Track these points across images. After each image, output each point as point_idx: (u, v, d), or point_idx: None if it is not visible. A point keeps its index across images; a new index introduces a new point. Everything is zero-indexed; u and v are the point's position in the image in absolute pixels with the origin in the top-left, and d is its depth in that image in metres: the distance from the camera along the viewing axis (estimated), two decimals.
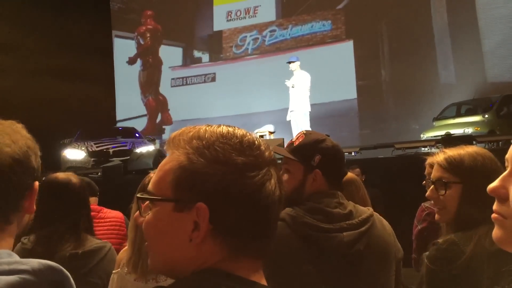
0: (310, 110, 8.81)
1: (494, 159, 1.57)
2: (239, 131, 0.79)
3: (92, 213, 2.22)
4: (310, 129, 8.53)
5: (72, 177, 2.06)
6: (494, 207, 0.75)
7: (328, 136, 1.74)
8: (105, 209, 2.96)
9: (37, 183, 1.02)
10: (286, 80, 8.92)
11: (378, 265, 1.56)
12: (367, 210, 1.61)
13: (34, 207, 1.02)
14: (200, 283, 0.73)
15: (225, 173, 0.74)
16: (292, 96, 8.89)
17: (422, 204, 2.78)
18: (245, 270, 0.76)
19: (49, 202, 1.90)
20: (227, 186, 0.74)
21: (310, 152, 1.66)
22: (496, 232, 0.75)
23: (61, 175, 2.06)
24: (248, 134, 0.80)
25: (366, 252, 1.52)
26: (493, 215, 0.75)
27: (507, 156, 0.75)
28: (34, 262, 0.93)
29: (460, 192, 1.57)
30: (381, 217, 1.65)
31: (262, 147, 0.79)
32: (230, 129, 0.80)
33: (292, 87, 8.71)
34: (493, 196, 0.75)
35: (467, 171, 1.57)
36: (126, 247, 1.80)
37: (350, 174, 2.45)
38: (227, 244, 0.74)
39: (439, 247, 1.53)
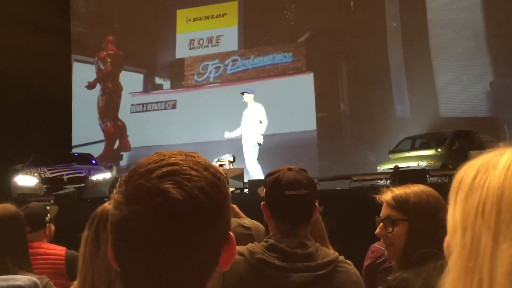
0: (261, 143, 8.92)
1: (439, 197, 1.62)
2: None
3: (31, 250, 2.08)
4: (256, 160, 8.75)
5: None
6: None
7: (290, 169, 1.69)
8: (46, 244, 2.80)
9: None
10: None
11: None
12: (332, 254, 1.58)
13: None
14: None
15: None
16: (244, 127, 9.02)
17: (371, 246, 2.83)
18: None
19: None
20: None
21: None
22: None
23: None
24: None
25: None
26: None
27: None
28: (24, 278, 1.05)
29: (406, 229, 1.61)
30: (351, 265, 1.60)
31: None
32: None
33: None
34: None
35: (413, 209, 1.61)
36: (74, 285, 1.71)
37: None
38: None
39: (389, 285, 1.54)
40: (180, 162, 0.72)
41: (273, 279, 1.48)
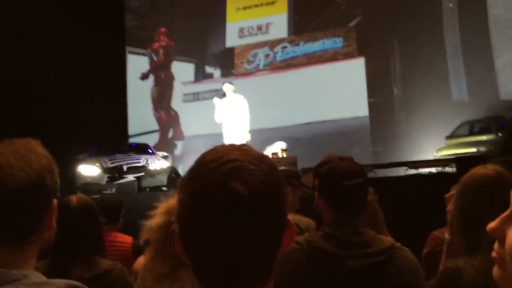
0: (250, 139, 8.66)
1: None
2: None
3: None
4: None
5: (74, 199, 2.02)
6: (495, 246, 0.75)
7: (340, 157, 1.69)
8: (114, 234, 2.95)
9: (55, 201, 1.03)
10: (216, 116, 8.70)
11: None
12: (388, 241, 1.59)
13: (54, 224, 1.03)
14: None
15: None
16: (228, 120, 8.69)
17: (431, 233, 2.78)
18: None
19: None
20: None
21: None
22: (495, 271, 0.75)
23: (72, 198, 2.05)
24: None
25: (379, 286, 1.51)
26: (493, 254, 0.76)
27: (511, 195, 0.74)
28: (61, 283, 0.96)
29: None
30: (409, 252, 1.60)
31: None
32: None
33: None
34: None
35: None
36: (142, 258, 1.82)
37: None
38: None
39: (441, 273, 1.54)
40: (239, 158, 0.76)
41: (329, 266, 1.51)
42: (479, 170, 1.61)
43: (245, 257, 0.73)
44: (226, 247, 0.73)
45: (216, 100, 8.97)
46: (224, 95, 9.09)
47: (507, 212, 0.74)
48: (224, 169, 0.74)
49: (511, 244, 0.71)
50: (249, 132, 8.92)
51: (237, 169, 0.74)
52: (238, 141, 8.50)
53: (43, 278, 0.97)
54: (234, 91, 9.08)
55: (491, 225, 0.75)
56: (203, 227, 0.73)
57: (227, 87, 8.97)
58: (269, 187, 0.75)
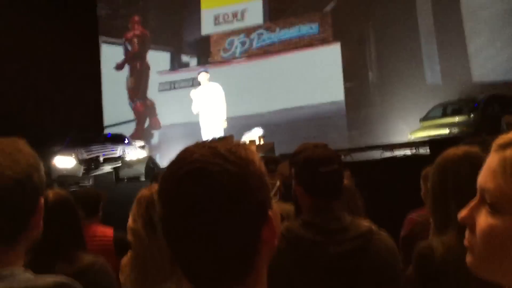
0: (226, 126, 8.73)
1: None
2: None
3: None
4: None
5: (51, 195, 2.01)
6: (466, 233, 0.78)
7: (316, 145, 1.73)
8: (93, 227, 2.93)
9: (42, 199, 1.04)
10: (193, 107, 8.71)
11: (373, 286, 1.55)
12: (365, 226, 1.61)
13: (41, 222, 1.04)
14: None
15: None
16: (204, 108, 8.70)
17: (408, 216, 2.83)
18: None
19: None
20: None
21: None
22: (468, 258, 0.77)
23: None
24: None
25: (360, 270, 1.54)
26: (465, 242, 0.78)
27: (478, 182, 0.76)
28: (49, 279, 0.97)
29: None
30: (385, 234, 1.64)
31: None
32: None
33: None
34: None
35: None
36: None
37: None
38: None
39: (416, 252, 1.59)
40: (200, 158, 0.77)
41: (310, 253, 1.53)
42: (450, 151, 1.65)
43: (216, 256, 0.75)
44: (194, 246, 0.76)
45: (192, 92, 8.92)
46: (199, 84, 9.04)
47: (475, 201, 0.76)
48: (181, 173, 0.76)
49: (481, 231, 0.74)
50: (225, 120, 8.91)
51: (196, 171, 0.76)
52: (214, 130, 8.49)
53: (30, 275, 0.98)
54: (210, 80, 9.03)
55: (462, 214, 0.77)
56: (173, 228, 0.77)
57: (202, 77, 8.93)
58: (231, 184, 0.75)
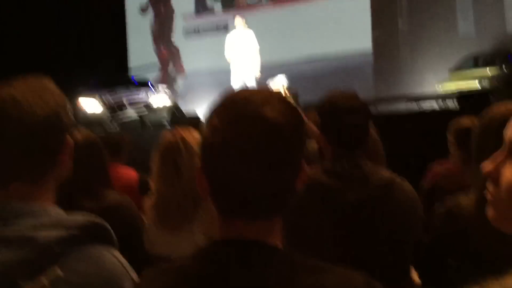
0: (259, 75, 8.40)
1: None
2: None
3: None
4: None
5: (79, 134, 2.03)
6: (488, 187, 0.76)
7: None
8: (118, 167, 3.00)
9: (69, 137, 1.05)
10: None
11: (392, 234, 1.55)
12: (386, 175, 1.60)
13: (70, 161, 1.06)
14: None
15: None
16: (240, 56, 8.31)
17: (431, 167, 2.80)
18: None
19: None
20: None
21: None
22: (489, 212, 0.76)
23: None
24: None
25: (380, 219, 1.54)
26: (487, 195, 0.76)
27: (506, 134, 0.74)
28: (80, 218, 0.99)
29: None
30: (407, 183, 1.62)
31: None
32: None
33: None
34: None
35: None
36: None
37: None
38: None
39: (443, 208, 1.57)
40: (263, 94, 0.82)
41: (328, 199, 1.53)
42: (496, 108, 1.54)
43: (265, 185, 0.78)
44: (250, 172, 0.77)
45: (228, 37, 8.63)
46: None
47: (501, 154, 0.75)
48: (257, 99, 0.79)
49: (507, 183, 0.72)
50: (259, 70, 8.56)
51: (268, 100, 0.79)
52: (247, 79, 8.32)
53: (62, 213, 1.01)
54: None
55: (487, 167, 0.75)
56: (231, 153, 0.77)
57: (239, 21, 8.62)
58: (296, 119, 0.80)
